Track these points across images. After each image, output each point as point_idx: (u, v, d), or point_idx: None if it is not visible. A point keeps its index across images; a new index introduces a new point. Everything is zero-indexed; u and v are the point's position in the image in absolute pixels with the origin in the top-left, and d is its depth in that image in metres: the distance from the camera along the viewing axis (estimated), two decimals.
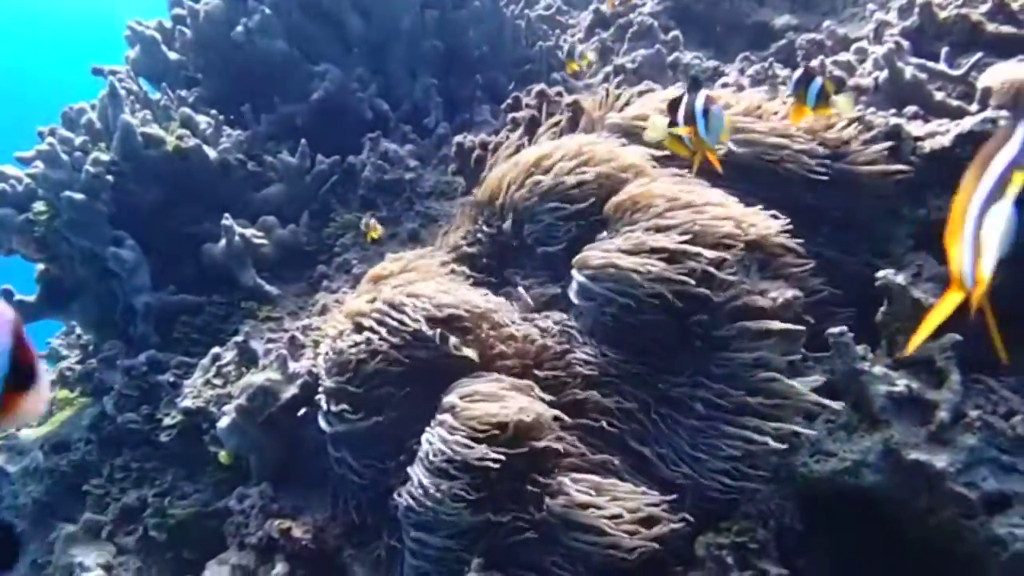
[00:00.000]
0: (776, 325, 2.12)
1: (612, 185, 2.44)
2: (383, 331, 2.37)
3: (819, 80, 2.24)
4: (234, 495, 2.64)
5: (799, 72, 2.29)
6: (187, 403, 2.91)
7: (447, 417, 2.17)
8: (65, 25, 18.57)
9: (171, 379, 3.18)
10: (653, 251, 2.19)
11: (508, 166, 2.64)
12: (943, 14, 3.32)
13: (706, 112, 2.05)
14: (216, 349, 3.06)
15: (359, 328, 2.44)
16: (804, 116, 2.31)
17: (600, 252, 2.29)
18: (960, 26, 3.23)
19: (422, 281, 2.53)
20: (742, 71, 3.60)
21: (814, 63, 2.99)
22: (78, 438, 3.48)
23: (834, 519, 2.07)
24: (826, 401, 2.09)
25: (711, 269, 2.15)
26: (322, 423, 2.39)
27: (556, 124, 2.87)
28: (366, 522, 2.41)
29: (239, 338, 3.00)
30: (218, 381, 2.93)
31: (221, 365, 2.98)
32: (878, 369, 2.13)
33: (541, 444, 2.13)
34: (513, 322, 2.43)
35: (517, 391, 2.23)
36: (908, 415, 2.10)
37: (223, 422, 2.64)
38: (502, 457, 2.04)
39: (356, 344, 2.40)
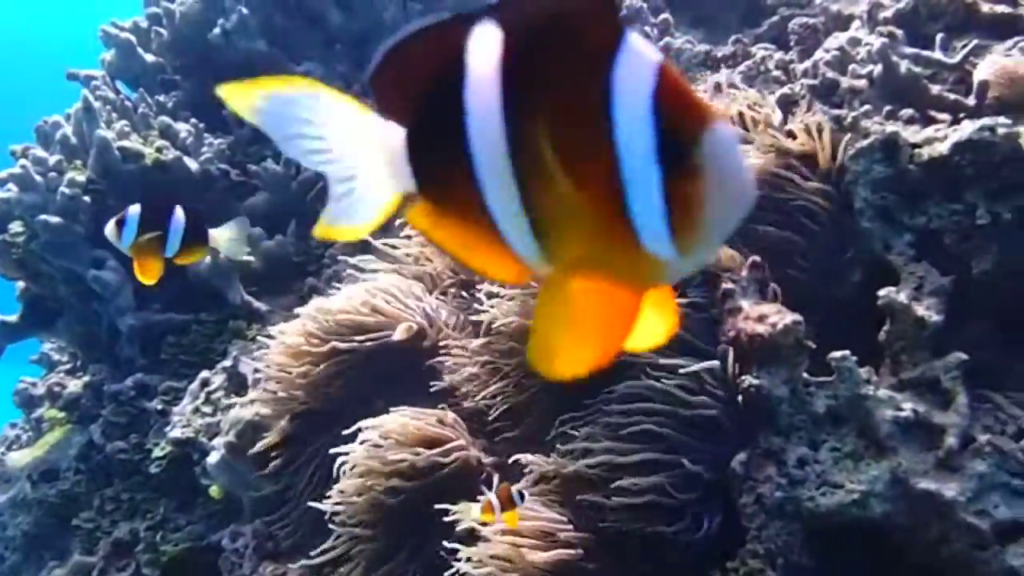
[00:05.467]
0: None
1: None
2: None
3: None
4: (227, 533, 2.58)
5: None
6: (176, 433, 2.84)
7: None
8: None
9: (159, 406, 3.11)
10: None
11: None
12: None
13: None
14: (205, 373, 2.98)
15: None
16: None
17: None
18: (954, 6, 3.12)
19: None
20: (732, 64, 3.49)
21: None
22: (67, 467, 3.39)
23: (843, 552, 2.02)
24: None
25: None
26: None
27: None
28: None
29: (227, 363, 2.92)
30: (207, 409, 2.86)
31: (210, 391, 2.90)
32: (883, 392, 2.06)
33: None
34: None
35: None
36: (915, 441, 2.02)
37: (212, 458, 2.57)
38: None
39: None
